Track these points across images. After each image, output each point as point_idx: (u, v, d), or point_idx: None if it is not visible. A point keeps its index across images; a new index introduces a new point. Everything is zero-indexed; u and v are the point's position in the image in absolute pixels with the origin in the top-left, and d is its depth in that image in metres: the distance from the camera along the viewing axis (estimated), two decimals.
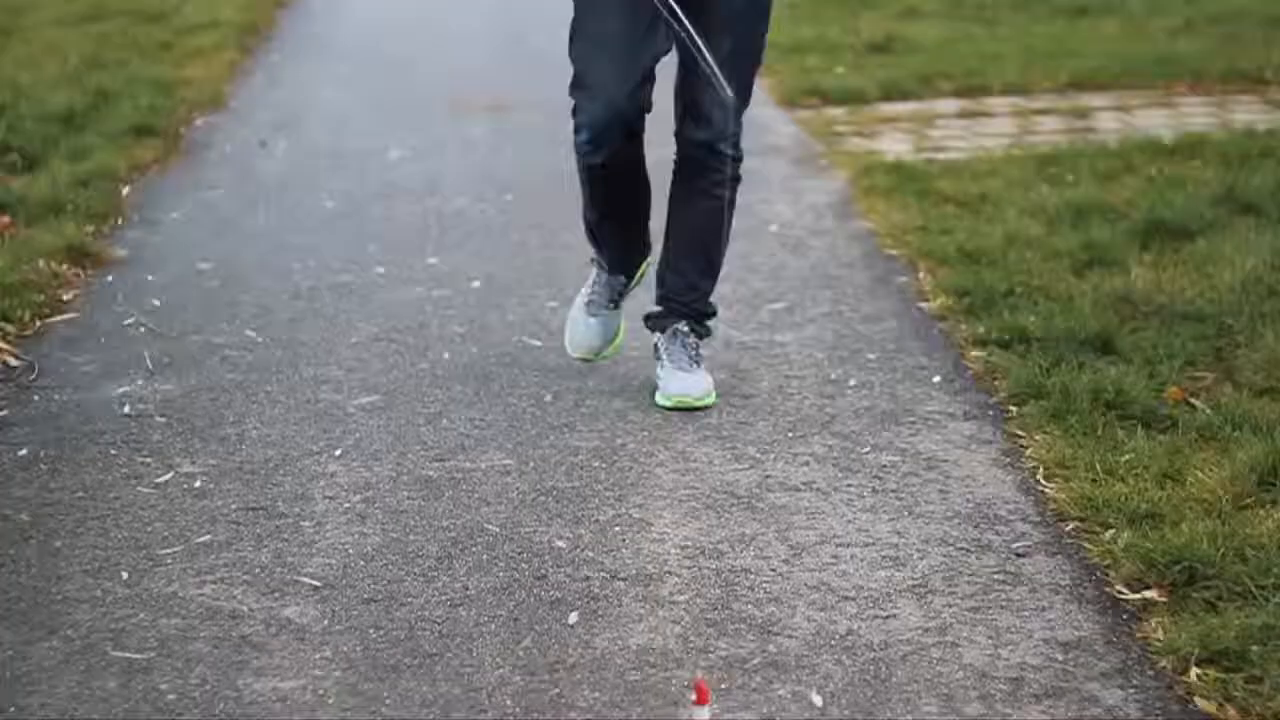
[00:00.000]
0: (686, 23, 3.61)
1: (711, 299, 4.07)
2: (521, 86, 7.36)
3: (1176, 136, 6.18)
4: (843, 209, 5.63)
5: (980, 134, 6.61)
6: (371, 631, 2.97)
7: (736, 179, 3.91)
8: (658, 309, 4.07)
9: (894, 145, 6.45)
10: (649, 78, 3.72)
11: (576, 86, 3.74)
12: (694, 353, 3.98)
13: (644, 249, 4.13)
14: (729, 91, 3.73)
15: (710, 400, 3.92)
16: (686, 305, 4.02)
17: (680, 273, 4.01)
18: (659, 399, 3.95)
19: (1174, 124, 6.53)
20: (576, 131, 3.76)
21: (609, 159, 3.77)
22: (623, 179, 3.87)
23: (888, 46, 8.13)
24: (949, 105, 7.12)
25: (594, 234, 4.08)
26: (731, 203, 3.92)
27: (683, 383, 3.92)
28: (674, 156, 3.94)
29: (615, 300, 4.13)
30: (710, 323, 4.07)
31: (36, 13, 9.15)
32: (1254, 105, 6.88)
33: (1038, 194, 5.50)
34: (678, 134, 3.88)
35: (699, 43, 3.64)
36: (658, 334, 4.05)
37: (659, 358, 4.01)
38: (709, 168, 3.87)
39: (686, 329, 4.01)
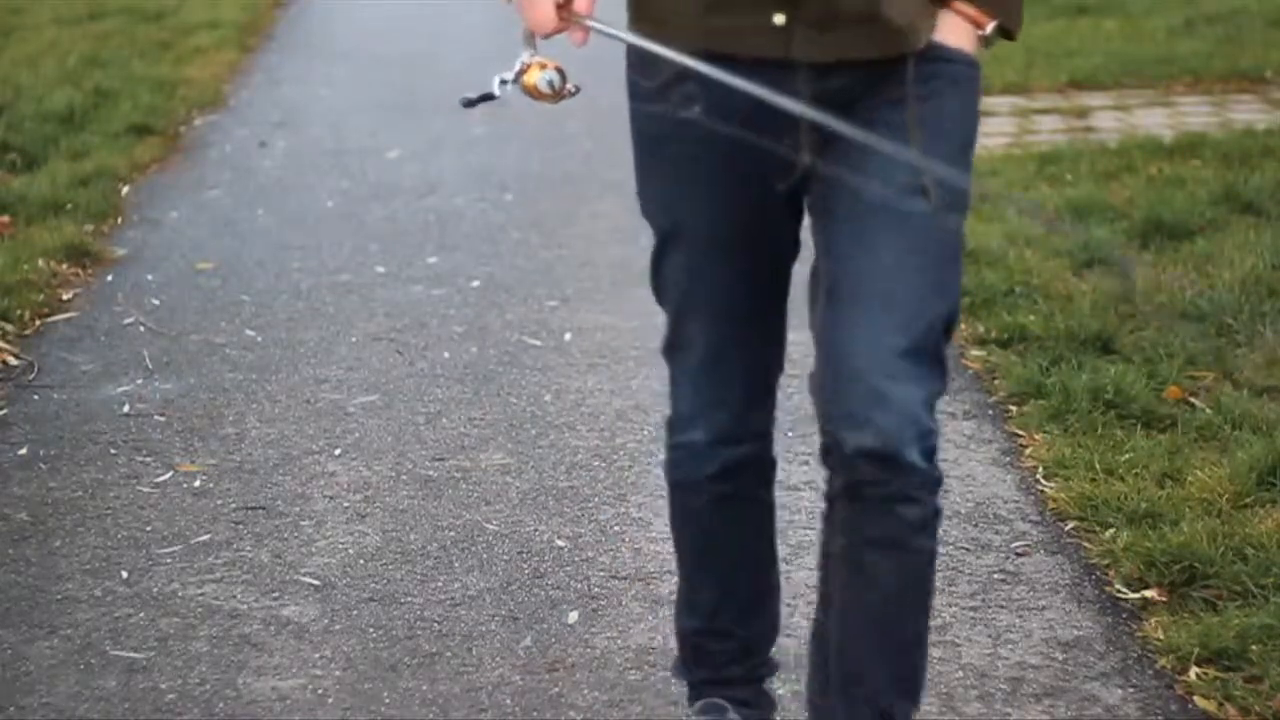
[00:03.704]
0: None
1: None
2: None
3: (1176, 136, 6.18)
4: None
5: (980, 133, 6.60)
6: (371, 631, 2.97)
7: (937, 513, 2.28)
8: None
9: None
10: (781, 300, 2.42)
11: (676, 342, 2.40)
12: None
13: (771, 628, 2.63)
14: (907, 335, 2.19)
15: None
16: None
17: (853, 674, 2.34)
18: None
19: (1174, 124, 6.53)
20: (680, 429, 2.42)
21: (743, 459, 2.43)
22: (759, 488, 2.49)
23: None
24: None
25: (701, 644, 2.58)
26: (933, 556, 2.32)
27: None
28: (824, 481, 2.33)
29: None
30: None
31: (36, 12, 9.15)
32: (1254, 105, 6.88)
33: (1038, 193, 5.50)
34: (826, 444, 2.25)
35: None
36: None
37: None
38: (888, 498, 2.22)
39: None
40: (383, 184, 5.98)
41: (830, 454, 2.24)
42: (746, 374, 2.40)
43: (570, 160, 5.67)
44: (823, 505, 2.34)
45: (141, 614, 3.03)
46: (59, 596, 3.10)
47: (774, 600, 2.61)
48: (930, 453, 2.20)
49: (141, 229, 5.46)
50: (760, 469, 2.49)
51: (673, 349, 2.41)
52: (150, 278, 4.94)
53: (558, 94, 2.22)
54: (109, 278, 4.94)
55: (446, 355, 4.30)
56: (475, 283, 4.86)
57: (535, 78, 2.21)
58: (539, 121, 6.69)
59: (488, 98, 2.24)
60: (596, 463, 3.64)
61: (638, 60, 2.29)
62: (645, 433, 3.78)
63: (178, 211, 5.66)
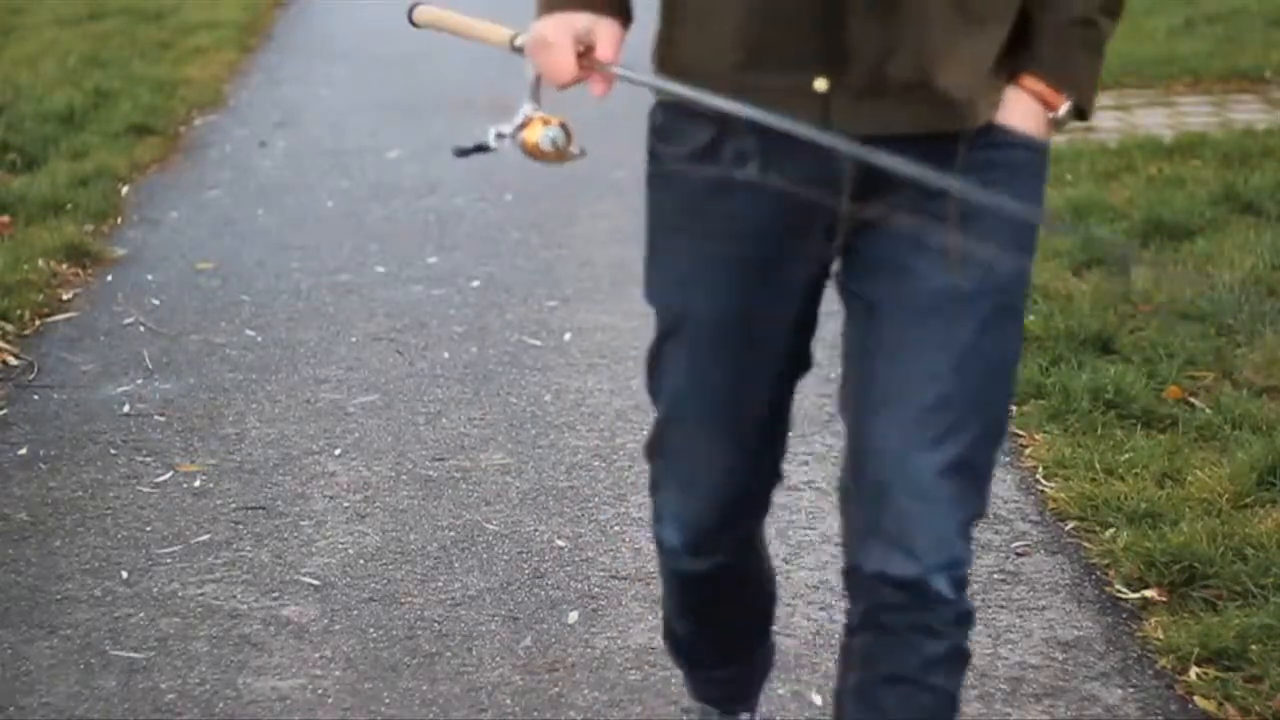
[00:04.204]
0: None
1: None
2: (521, 86, 7.34)
3: (1176, 136, 6.18)
4: None
5: None
6: (371, 631, 2.97)
7: (962, 655, 2.08)
8: None
9: None
10: (782, 415, 2.17)
11: (660, 448, 2.21)
12: None
13: (765, 663, 2.55)
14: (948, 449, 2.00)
15: None
16: None
17: None
18: None
19: (1174, 124, 6.53)
20: (659, 520, 2.23)
21: (717, 568, 2.23)
22: (737, 587, 2.34)
23: None
24: None
25: (685, 649, 2.47)
26: (954, 703, 2.10)
27: None
28: (845, 598, 2.14)
29: None
30: None
31: (36, 12, 9.15)
32: (1254, 105, 6.88)
33: None
34: (849, 565, 2.08)
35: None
36: None
37: None
38: (909, 628, 2.03)
39: None
40: (383, 184, 5.98)
41: (851, 576, 2.05)
42: (737, 493, 2.17)
43: (571, 163, 5.68)
44: (840, 635, 2.14)
45: (141, 614, 3.03)
46: (59, 596, 3.10)
47: (764, 652, 2.50)
48: (960, 584, 2.00)
49: (141, 229, 5.46)
50: (748, 555, 2.31)
51: (657, 453, 2.20)
52: (150, 278, 4.94)
53: (561, 154, 2.02)
54: (109, 278, 4.94)
55: (446, 355, 4.30)
56: (475, 283, 4.86)
57: (537, 134, 2.01)
58: None
59: (481, 149, 2.07)
60: (596, 463, 3.64)
61: (668, 126, 2.05)
62: (645, 433, 3.77)
63: (178, 211, 5.65)
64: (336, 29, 9.42)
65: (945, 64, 1.91)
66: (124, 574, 3.18)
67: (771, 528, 3.31)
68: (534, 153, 2.02)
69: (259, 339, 4.43)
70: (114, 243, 5.28)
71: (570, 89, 2.00)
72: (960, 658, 2.06)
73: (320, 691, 2.78)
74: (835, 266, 2.03)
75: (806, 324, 2.09)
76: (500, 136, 2.03)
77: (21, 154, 6.09)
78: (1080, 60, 2.01)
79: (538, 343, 4.37)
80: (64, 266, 4.96)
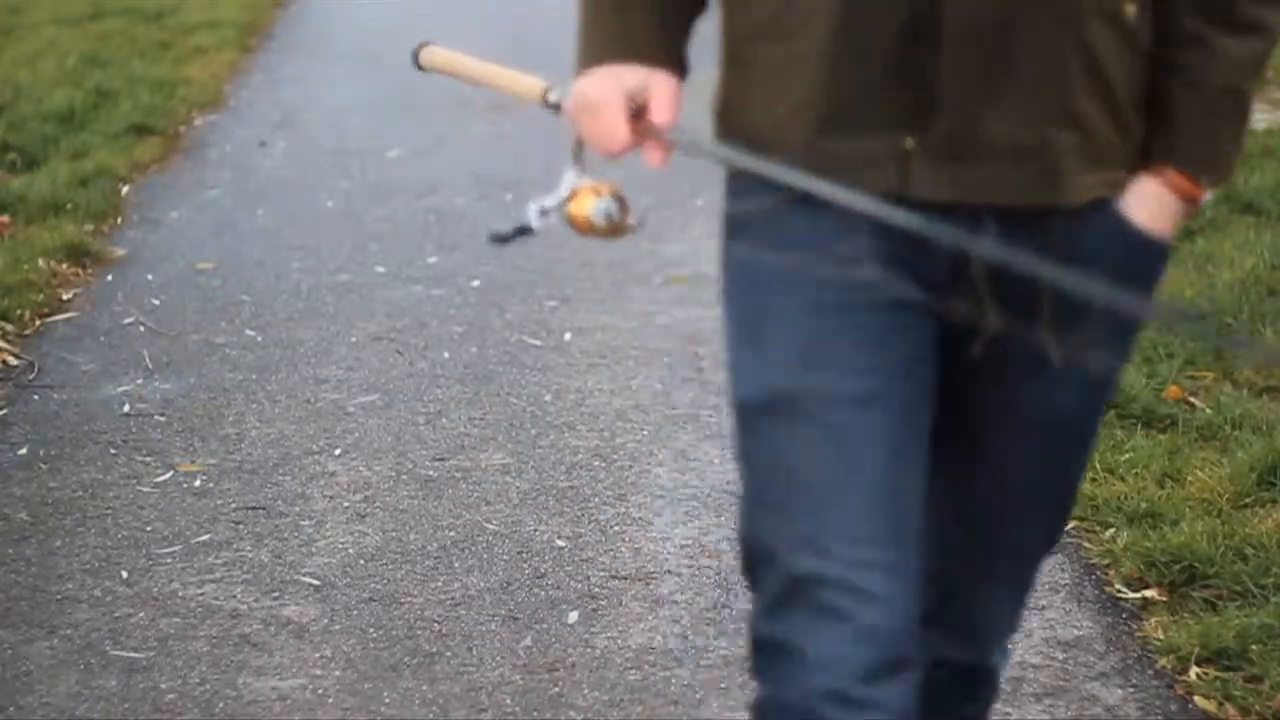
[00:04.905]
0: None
1: None
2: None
3: None
4: None
5: None
6: (371, 631, 2.96)
7: (998, 688, 2.09)
8: None
9: None
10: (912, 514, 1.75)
11: (768, 558, 1.73)
12: None
13: None
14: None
15: None
16: None
17: None
18: None
19: None
20: (773, 659, 1.72)
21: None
22: None
23: None
24: None
25: None
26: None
27: None
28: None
29: None
30: None
31: (36, 11, 9.15)
32: (1254, 105, 6.87)
33: None
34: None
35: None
36: None
37: None
38: (959, 692, 2.02)
39: None
40: (383, 184, 5.97)
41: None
42: (908, 571, 1.71)
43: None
44: None
45: (141, 614, 3.03)
46: (59, 596, 3.09)
47: None
48: (1003, 651, 2.03)
49: (141, 229, 5.45)
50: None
51: (775, 564, 1.70)
52: (150, 278, 4.94)
53: (615, 229, 1.72)
54: (109, 278, 4.94)
55: (446, 355, 4.30)
56: (475, 283, 4.86)
57: (587, 207, 1.73)
58: (540, 122, 6.68)
59: (524, 232, 1.79)
60: (596, 463, 3.64)
61: (752, 210, 1.73)
62: (645, 433, 3.78)
63: (178, 211, 5.65)
64: (336, 29, 9.42)
65: (1057, 124, 1.63)
66: (124, 574, 3.17)
67: None
68: (584, 228, 1.75)
69: (259, 339, 4.43)
70: (114, 243, 5.28)
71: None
72: (995, 691, 2.07)
73: (320, 691, 2.78)
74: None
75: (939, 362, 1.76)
76: (544, 213, 1.78)
77: (21, 154, 6.09)
78: (1226, 141, 1.73)
79: (538, 343, 4.37)
80: (64, 266, 4.96)
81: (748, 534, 1.75)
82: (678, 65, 1.74)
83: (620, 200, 1.73)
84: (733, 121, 1.74)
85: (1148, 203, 1.68)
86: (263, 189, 5.95)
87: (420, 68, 2.01)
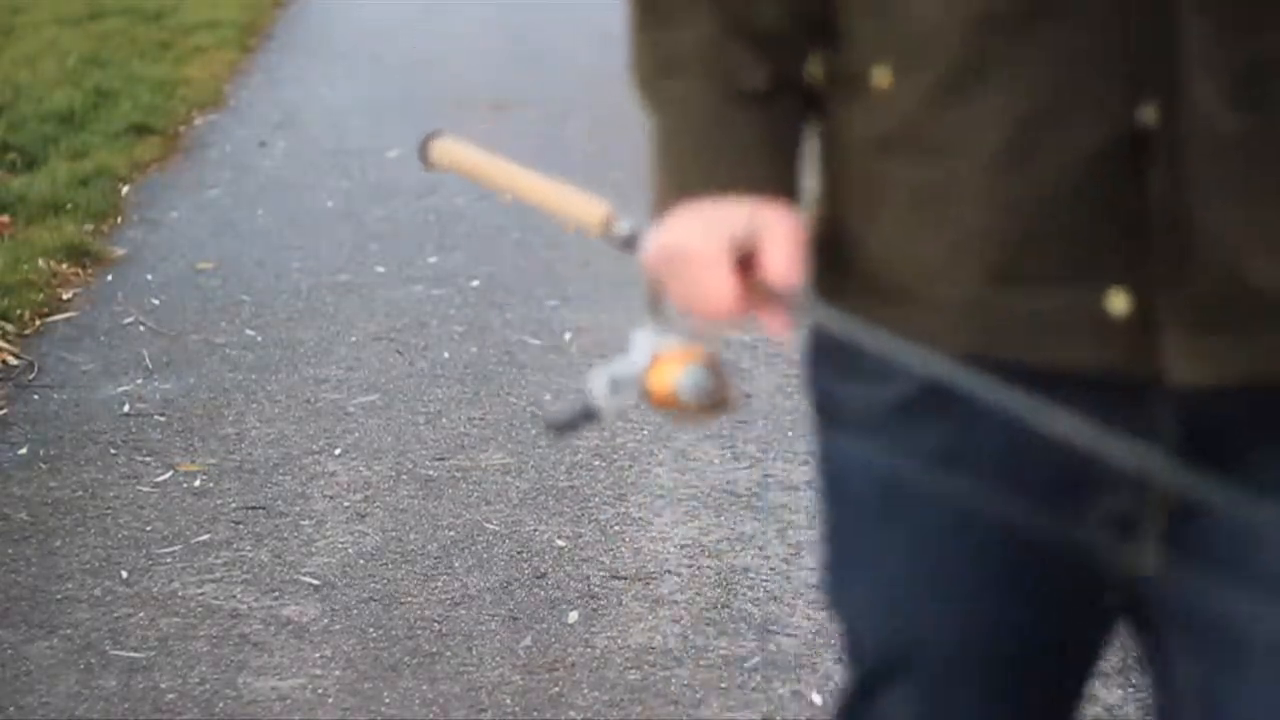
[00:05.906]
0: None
1: None
2: (522, 86, 7.36)
3: None
4: None
5: None
6: (371, 630, 2.97)
7: None
8: None
9: None
10: None
11: None
12: None
13: None
14: None
15: None
16: None
17: None
18: None
19: None
20: None
21: None
22: None
23: None
24: None
25: None
26: None
27: None
28: None
29: None
30: None
31: (36, 11, 9.15)
32: None
33: None
34: None
35: None
36: None
37: None
38: None
39: None
40: (383, 184, 5.97)
41: None
42: None
43: (572, 161, 5.66)
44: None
45: (141, 614, 3.03)
46: (59, 596, 3.09)
47: None
48: None
49: (141, 229, 5.46)
50: None
51: None
52: (150, 278, 4.94)
53: (710, 405, 1.29)
54: (109, 278, 4.94)
55: (446, 355, 4.30)
56: (475, 283, 4.86)
57: (670, 380, 1.30)
58: (540, 122, 6.69)
59: (589, 418, 1.36)
60: (596, 463, 3.64)
61: (853, 390, 1.35)
62: (645, 433, 3.78)
63: (178, 211, 5.65)
64: (336, 29, 9.42)
65: None
66: (124, 574, 3.18)
67: (771, 527, 3.31)
68: (668, 405, 1.31)
69: (259, 339, 4.43)
70: (114, 243, 5.28)
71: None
72: None
73: (320, 691, 2.78)
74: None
75: (1106, 620, 1.48)
76: (616, 389, 1.34)
77: (21, 154, 6.09)
78: None
79: (538, 343, 4.37)
80: (64, 266, 4.96)
81: None
82: (793, 193, 1.30)
83: (714, 368, 1.29)
84: (851, 271, 1.31)
85: None
86: (263, 189, 5.95)
87: (428, 165, 1.64)
